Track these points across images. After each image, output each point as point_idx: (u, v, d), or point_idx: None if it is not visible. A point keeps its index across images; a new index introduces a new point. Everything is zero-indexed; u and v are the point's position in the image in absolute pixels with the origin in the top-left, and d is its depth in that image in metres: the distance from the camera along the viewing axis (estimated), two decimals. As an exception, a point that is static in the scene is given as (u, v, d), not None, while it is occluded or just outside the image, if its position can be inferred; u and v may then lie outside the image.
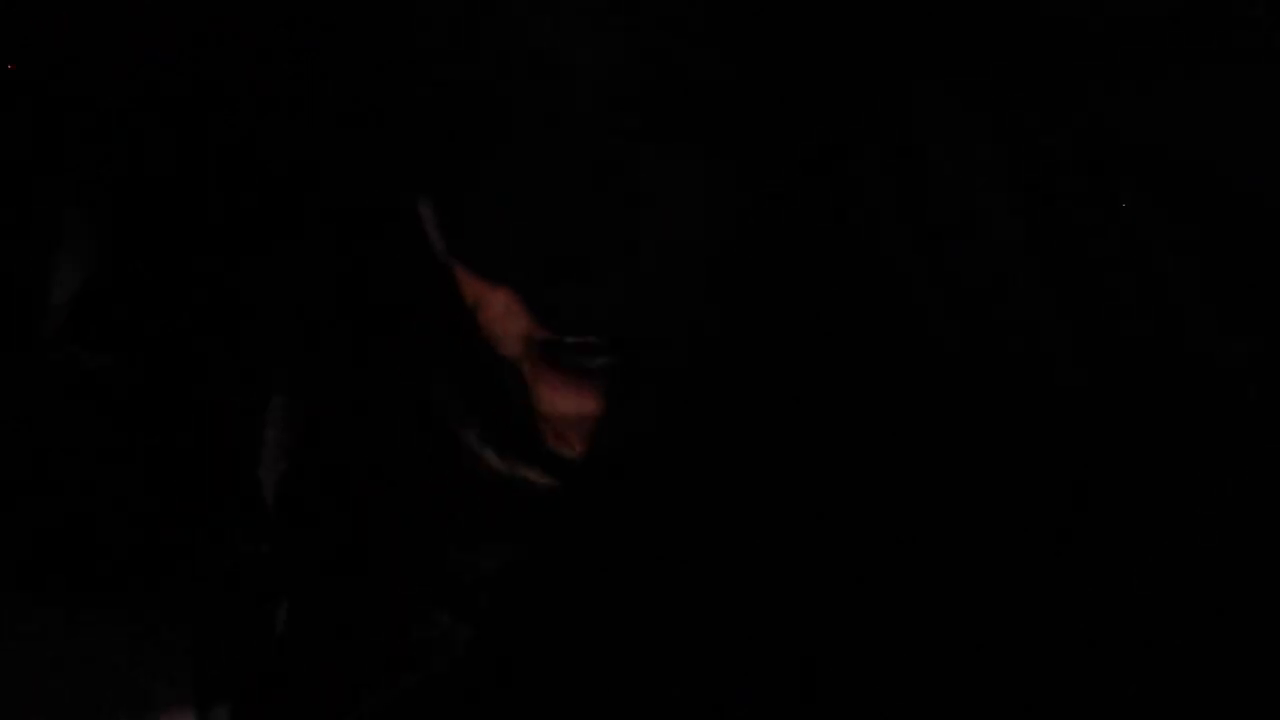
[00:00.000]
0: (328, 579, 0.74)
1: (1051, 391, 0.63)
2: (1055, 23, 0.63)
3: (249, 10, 0.77)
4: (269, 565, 0.77)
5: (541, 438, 0.69)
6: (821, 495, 0.67)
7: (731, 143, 0.65)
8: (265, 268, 0.79)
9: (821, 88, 0.67)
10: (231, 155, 0.78)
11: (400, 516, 0.73)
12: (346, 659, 0.73)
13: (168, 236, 0.80)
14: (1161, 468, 0.61)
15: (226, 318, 0.80)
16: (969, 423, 0.65)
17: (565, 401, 0.67)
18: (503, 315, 0.67)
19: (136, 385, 0.79)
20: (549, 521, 0.71)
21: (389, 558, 0.73)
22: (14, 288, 0.83)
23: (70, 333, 0.81)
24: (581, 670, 0.68)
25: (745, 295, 0.67)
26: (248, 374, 0.79)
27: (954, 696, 0.62)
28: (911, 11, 0.66)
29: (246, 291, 0.79)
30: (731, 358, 0.68)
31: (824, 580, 0.66)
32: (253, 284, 0.79)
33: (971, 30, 0.65)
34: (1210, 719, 0.60)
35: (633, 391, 0.67)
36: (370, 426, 0.74)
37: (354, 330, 0.76)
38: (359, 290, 0.76)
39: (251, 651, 0.76)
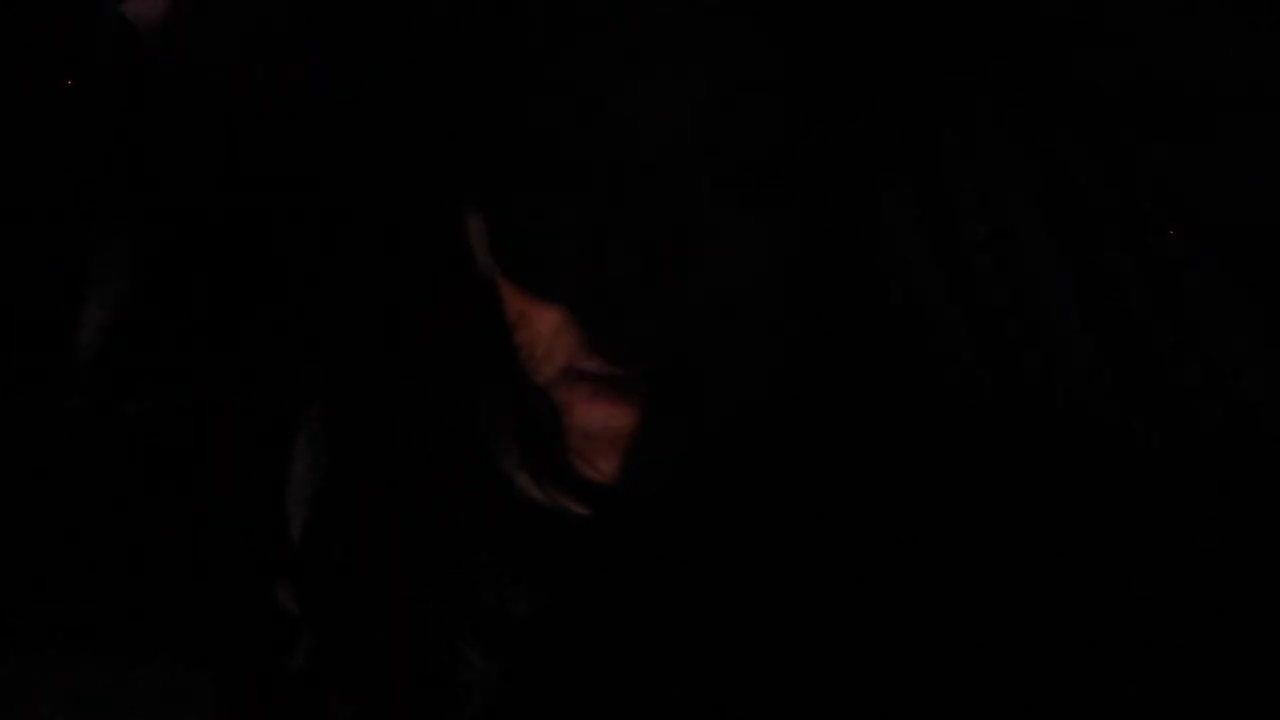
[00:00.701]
0: (356, 616, 0.74)
1: (1090, 437, 0.64)
2: (1102, 77, 0.64)
3: (305, 27, 0.77)
4: (294, 602, 0.76)
5: (572, 461, 0.69)
6: (855, 532, 0.68)
7: (792, 192, 0.65)
8: (300, 294, 0.78)
9: (864, 128, 0.68)
10: (268, 180, 0.78)
11: (434, 552, 0.73)
12: (375, 701, 0.73)
13: (200, 269, 0.79)
14: (1200, 515, 0.62)
15: (259, 349, 0.80)
16: (1003, 467, 0.66)
17: (597, 414, 0.67)
18: (549, 335, 0.67)
19: (168, 431, 0.79)
20: (583, 557, 0.71)
21: (421, 594, 0.72)
22: (40, 324, 0.82)
23: (99, 372, 0.81)
24: (614, 710, 0.69)
25: (796, 338, 0.68)
26: (277, 407, 0.78)
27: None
28: (953, 53, 0.67)
29: (281, 319, 0.79)
30: (781, 400, 0.69)
31: (860, 618, 0.67)
32: (286, 311, 0.79)
33: (1015, 76, 0.66)
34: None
35: (672, 424, 0.67)
36: (404, 454, 0.74)
37: (390, 354, 0.75)
38: (397, 313, 0.75)
39: (275, 692, 0.76)
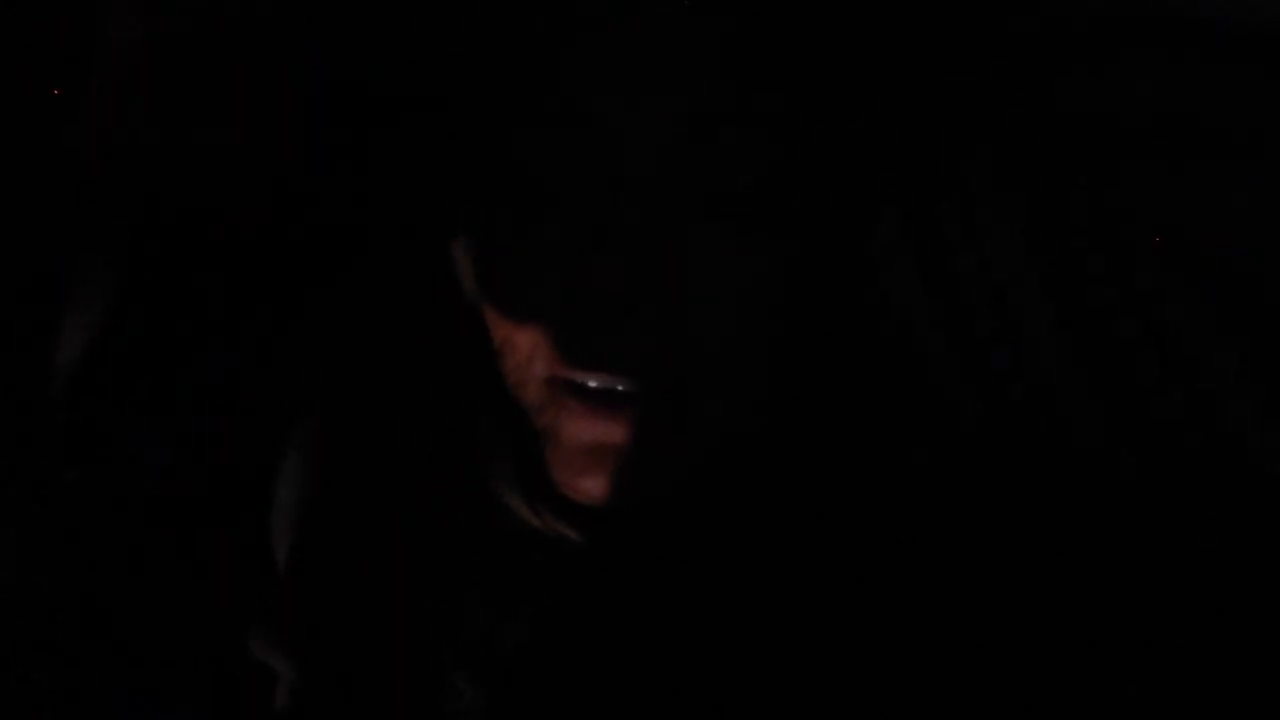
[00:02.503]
0: (343, 644, 0.73)
1: (1075, 465, 0.65)
2: (1085, 111, 0.64)
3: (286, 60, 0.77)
4: (279, 633, 0.75)
5: (564, 482, 0.69)
6: (846, 556, 0.68)
7: (777, 222, 0.66)
8: (288, 319, 0.78)
9: (852, 160, 0.69)
10: (256, 200, 0.77)
11: (423, 579, 0.72)
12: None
13: (184, 290, 0.78)
14: (1188, 544, 0.63)
15: (245, 373, 0.79)
16: (989, 494, 0.67)
17: (585, 431, 0.67)
18: (527, 359, 0.67)
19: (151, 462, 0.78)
20: (574, 584, 0.71)
21: (409, 623, 0.72)
22: (16, 344, 0.81)
23: (77, 396, 0.80)
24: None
25: (785, 362, 0.69)
26: (265, 429, 0.78)
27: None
28: (941, 88, 0.68)
29: (268, 344, 0.78)
30: (770, 423, 0.69)
31: (853, 643, 0.67)
32: (274, 335, 0.78)
33: (1002, 111, 0.67)
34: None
35: (660, 442, 0.67)
36: (394, 479, 0.73)
37: (380, 378, 0.75)
38: (388, 336, 0.75)
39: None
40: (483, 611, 0.71)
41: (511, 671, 0.70)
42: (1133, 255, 0.64)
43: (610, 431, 0.66)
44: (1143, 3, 0.64)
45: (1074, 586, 0.64)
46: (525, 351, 0.68)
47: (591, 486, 0.67)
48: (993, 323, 0.66)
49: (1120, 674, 0.63)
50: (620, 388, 0.66)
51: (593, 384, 0.66)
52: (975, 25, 0.67)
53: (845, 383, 0.70)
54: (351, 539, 0.74)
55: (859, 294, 0.69)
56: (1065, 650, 0.64)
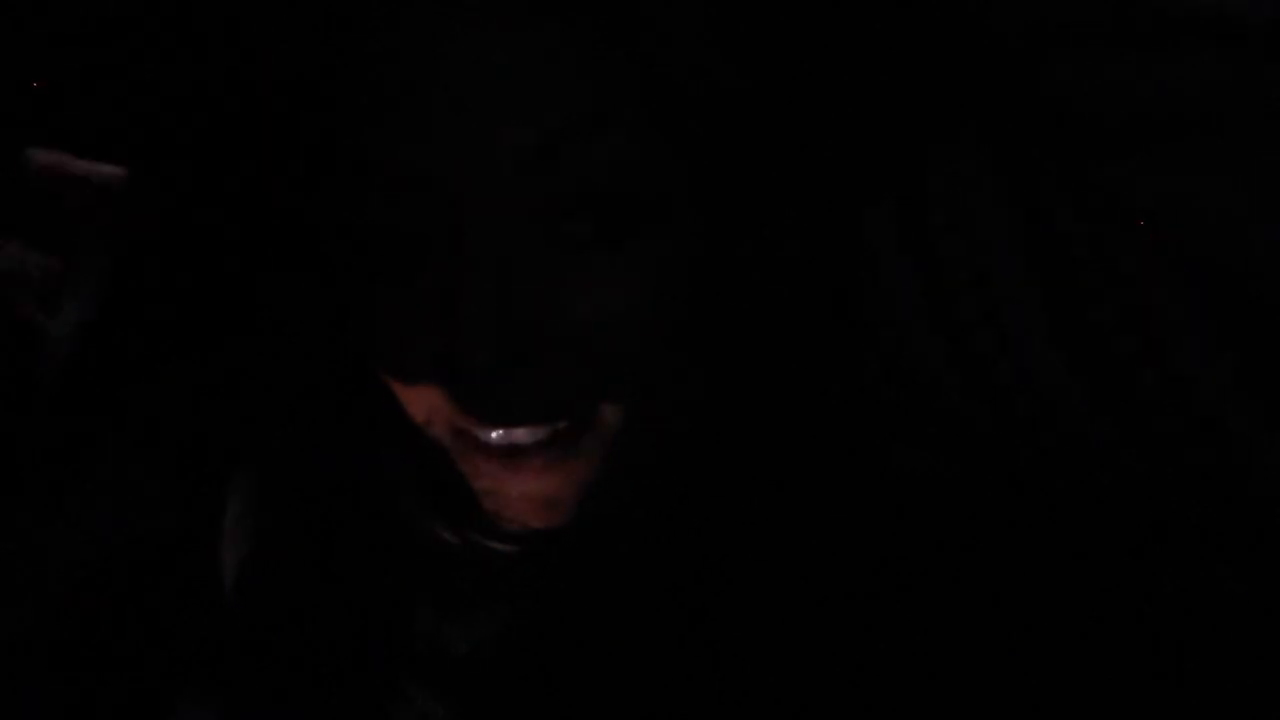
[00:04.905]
0: (292, 662, 0.71)
1: (1056, 444, 0.61)
2: (1073, 98, 0.59)
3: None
4: (227, 652, 0.73)
5: (487, 511, 0.67)
6: (809, 552, 0.65)
7: (659, 216, 0.62)
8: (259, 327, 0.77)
9: (824, 148, 0.65)
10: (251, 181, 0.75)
11: (366, 594, 0.70)
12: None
13: (183, 267, 0.77)
14: (1180, 535, 0.61)
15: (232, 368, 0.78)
16: (970, 476, 0.64)
17: (501, 482, 0.65)
18: (426, 419, 0.66)
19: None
20: (518, 588, 0.68)
21: (355, 635, 0.70)
22: (11, 318, 0.80)
23: (71, 372, 0.78)
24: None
25: (704, 357, 0.65)
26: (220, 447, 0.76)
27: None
28: (928, 77, 0.63)
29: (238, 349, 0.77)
30: (705, 425, 0.66)
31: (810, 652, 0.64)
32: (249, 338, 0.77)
33: (988, 98, 0.62)
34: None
35: (580, 476, 0.64)
36: (330, 506, 0.72)
37: (319, 407, 0.74)
38: (324, 367, 0.74)
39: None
40: (429, 619, 0.69)
41: (462, 678, 0.68)
42: (1117, 242, 0.59)
43: (526, 479, 0.64)
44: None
45: (1068, 590, 0.62)
46: (423, 413, 0.66)
47: (517, 517, 0.66)
48: (991, 336, 0.61)
49: (1117, 675, 0.61)
50: (523, 437, 0.63)
51: (494, 437, 0.64)
52: (957, 20, 0.62)
53: (816, 370, 0.66)
54: (294, 560, 0.72)
55: (853, 296, 0.64)
56: (1058, 653, 0.61)
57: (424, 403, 0.65)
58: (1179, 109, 0.56)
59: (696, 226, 0.62)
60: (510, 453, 0.63)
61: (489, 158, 0.59)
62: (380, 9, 0.60)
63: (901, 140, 0.63)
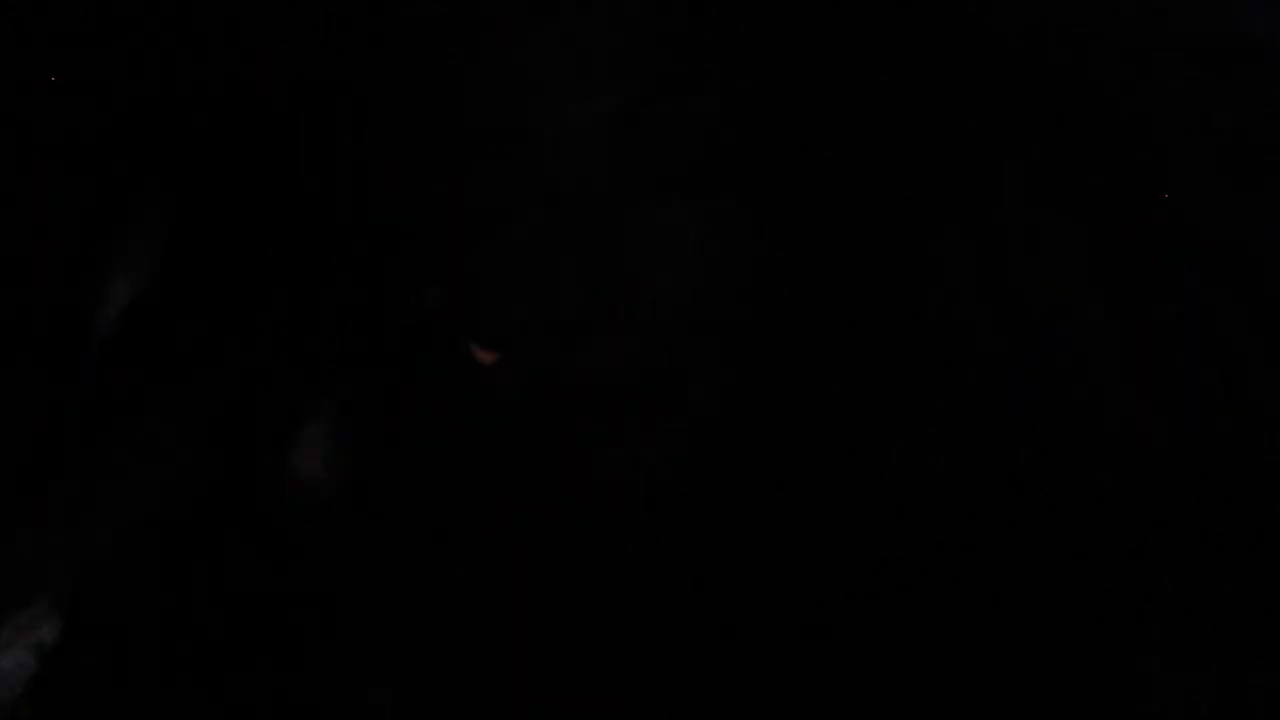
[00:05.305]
0: (260, 675, 0.71)
1: (1130, 468, 0.64)
2: (1143, 122, 0.65)
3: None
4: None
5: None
6: (851, 531, 0.67)
7: (734, 182, 0.64)
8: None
9: (893, 161, 0.67)
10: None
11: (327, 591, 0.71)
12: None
13: (238, 249, 0.76)
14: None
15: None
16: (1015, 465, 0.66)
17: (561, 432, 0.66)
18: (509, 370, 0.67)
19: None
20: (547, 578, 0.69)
21: (319, 636, 0.70)
22: (57, 299, 0.80)
23: (117, 355, 0.78)
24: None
25: (772, 339, 0.67)
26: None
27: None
28: (1002, 100, 0.68)
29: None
30: (759, 400, 0.67)
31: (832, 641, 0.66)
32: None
33: (1060, 123, 0.67)
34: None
35: (648, 439, 0.66)
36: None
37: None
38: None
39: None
40: (396, 624, 0.70)
41: (433, 684, 0.69)
42: (1189, 266, 0.64)
43: (587, 436, 0.65)
44: (1192, 30, 0.65)
45: (1068, 590, 0.64)
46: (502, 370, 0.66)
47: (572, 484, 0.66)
48: (1051, 324, 0.66)
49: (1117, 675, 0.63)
50: (594, 394, 0.65)
51: (564, 392, 0.65)
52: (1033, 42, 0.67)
53: (833, 359, 0.68)
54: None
55: (919, 298, 0.68)
56: (1058, 653, 0.64)
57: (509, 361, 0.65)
58: (1257, 140, 0.62)
59: (768, 201, 0.65)
60: (577, 408, 0.65)
61: (576, 119, 0.62)
62: None
63: (978, 171, 0.67)
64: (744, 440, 0.67)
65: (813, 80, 0.65)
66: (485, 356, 0.67)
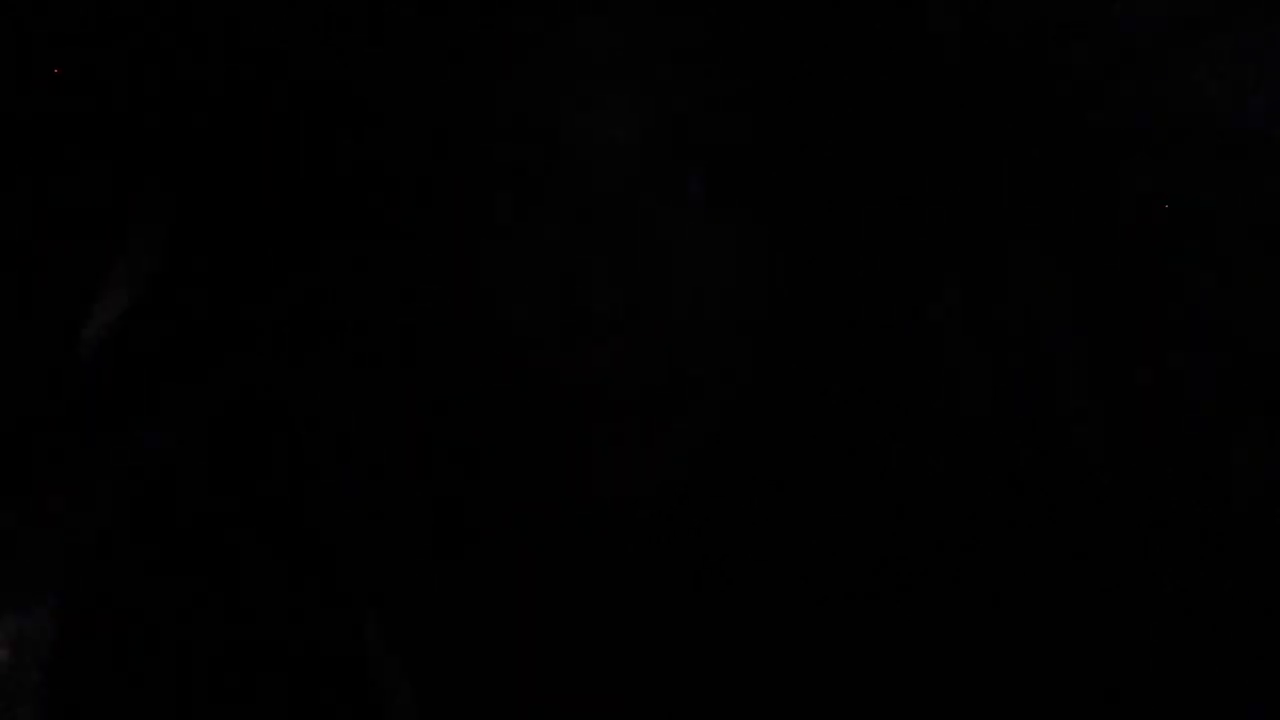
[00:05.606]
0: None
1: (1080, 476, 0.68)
2: (1141, 197, 0.69)
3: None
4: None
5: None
6: (847, 542, 0.69)
7: (763, 204, 0.66)
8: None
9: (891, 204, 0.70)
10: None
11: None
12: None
13: (246, 254, 0.77)
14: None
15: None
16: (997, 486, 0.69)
17: (589, 434, 0.66)
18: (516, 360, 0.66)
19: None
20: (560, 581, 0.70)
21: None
22: (49, 295, 0.79)
23: (106, 362, 0.78)
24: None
25: (782, 352, 0.68)
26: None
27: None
28: (1011, 169, 0.71)
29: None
30: (767, 410, 0.69)
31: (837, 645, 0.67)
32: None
33: (1065, 194, 0.71)
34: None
35: (661, 446, 0.66)
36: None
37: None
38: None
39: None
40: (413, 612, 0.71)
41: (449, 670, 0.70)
42: (1175, 339, 0.69)
43: (615, 436, 0.65)
44: (1192, 112, 0.69)
45: (1068, 591, 0.66)
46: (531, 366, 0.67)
47: (599, 483, 0.66)
48: (1035, 382, 0.69)
49: (1117, 675, 0.65)
50: (611, 394, 0.65)
51: (584, 391, 0.65)
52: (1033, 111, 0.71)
53: (838, 374, 0.70)
54: None
55: (919, 358, 0.71)
56: (1058, 654, 0.66)
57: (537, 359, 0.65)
58: (1233, 217, 0.67)
59: (781, 219, 0.66)
60: (592, 407, 0.65)
61: (615, 133, 0.63)
62: None
63: (973, 224, 0.71)
64: (750, 450, 0.69)
65: (829, 107, 0.68)
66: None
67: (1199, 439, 0.67)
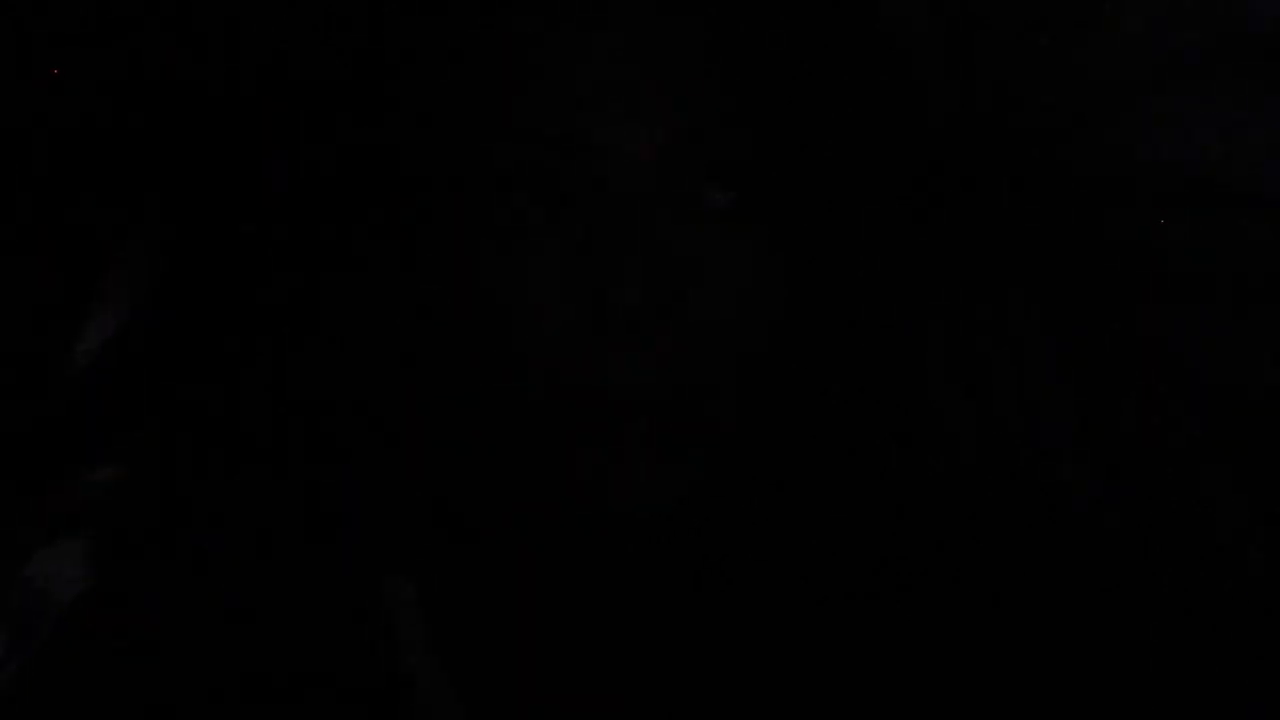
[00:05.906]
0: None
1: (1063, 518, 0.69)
2: (1120, 247, 0.70)
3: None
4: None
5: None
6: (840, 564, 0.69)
7: (770, 211, 0.66)
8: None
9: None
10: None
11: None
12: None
13: (235, 280, 0.78)
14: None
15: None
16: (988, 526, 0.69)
17: (598, 450, 0.66)
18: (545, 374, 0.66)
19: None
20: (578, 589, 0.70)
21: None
22: (37, 319, 0.80)
23: (92, 386, 0.78)
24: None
25: (790, 368, 0.68)
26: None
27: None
28: (992, 217, 0.73)
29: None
30: (775, 423, 0.69)
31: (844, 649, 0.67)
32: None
33: (1048, 243, 0.72)
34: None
35: (674, 453, 0.66)
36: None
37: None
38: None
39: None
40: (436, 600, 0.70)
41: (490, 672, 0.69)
42: (1155, 388, 0.69)
43: (626, 450, 0.65)
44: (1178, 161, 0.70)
45: (1068, 591, 0.67)
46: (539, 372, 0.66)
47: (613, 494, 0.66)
48: (1026, 433, 0.70)
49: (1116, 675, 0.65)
50: (630, 404, 0.64)
51: (600, 401, 0.65)
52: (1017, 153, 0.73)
53: (842, 382, 0.70)
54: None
55: (907, 408, 0.72)
56: (1058, 654, 0.66)
57: (546, 366, 0.65)
58: (1211, 269, 0.68)
59: (791, 238, 0.67)
60: (610, 417, 0.65)
61: (626, 146, 0.64)
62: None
63: (958, 271, 0.72)
64: (757, 454, 0.69)
65: (830, 137, 0.69)
66: None
67: (1182, 474, 0.69)
